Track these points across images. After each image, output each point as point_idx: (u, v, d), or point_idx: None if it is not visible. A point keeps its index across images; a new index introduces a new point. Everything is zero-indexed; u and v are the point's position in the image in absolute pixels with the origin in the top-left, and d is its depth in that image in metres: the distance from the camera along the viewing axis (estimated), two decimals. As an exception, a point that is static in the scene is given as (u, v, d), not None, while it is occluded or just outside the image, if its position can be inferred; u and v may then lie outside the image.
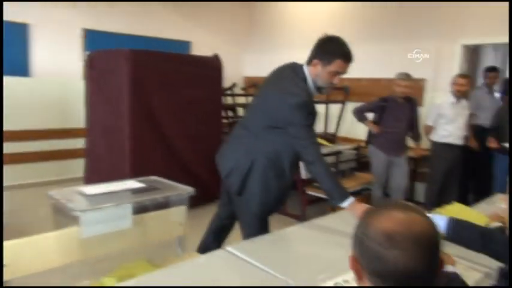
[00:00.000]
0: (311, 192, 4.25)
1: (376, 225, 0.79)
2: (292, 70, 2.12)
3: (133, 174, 3.30)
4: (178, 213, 2.23)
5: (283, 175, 2.17)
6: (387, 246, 0.76)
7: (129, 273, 1.74)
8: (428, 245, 0.78)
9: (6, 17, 4.34)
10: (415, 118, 4.12)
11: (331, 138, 4.92)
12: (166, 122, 4.08)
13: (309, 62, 2.08)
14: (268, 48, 6.57)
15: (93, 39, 5.33)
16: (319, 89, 2.11)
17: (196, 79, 4.32)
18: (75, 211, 1.79)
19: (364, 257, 0.81)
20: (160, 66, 4.02)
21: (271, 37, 6.54)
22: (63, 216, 1.91)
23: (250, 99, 5.67)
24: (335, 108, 5.17)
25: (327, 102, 5.10)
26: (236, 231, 2.47)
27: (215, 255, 1.72)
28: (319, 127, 5.23)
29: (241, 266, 1.61)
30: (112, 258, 2.11)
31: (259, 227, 2.22)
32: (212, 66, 4.50)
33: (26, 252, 1.68)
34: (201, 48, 6.19)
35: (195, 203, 4.18)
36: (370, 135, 4.24)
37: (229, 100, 5.69)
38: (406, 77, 3.92)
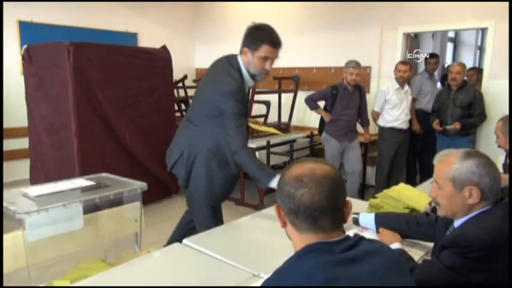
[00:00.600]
0: (267, 181, 4.29)
1: (289, 173, 0.96)
2: (227, 61, 2.16)
3: (83, 172, 3.18)
4: (132, 210, 2.19)
5: (227, 165, 2.21)
6: (297, 186, 0.92)
7: (83, 274, 1.69)
8: (330, 185, 0.92)
9: None
10: (363, 105, 4.27)
11: (285, 127, 5.00)
12: (115, 116, 3.94)
13: (240, 51, 2.13)
14: (218, 39, 6.49)
15: (29, 31, 4.97)
16: (253, 76, 2.14)
17: (145, 71, 4.20)
18: (18, 214, 1.70)
19: (282, 200, 0.96)
20: (105, 58, 3.86)
21: (221, 28, 6.47)
22: (7, 220, 1.81)
23: (202, 91, 5.62)
24: (287, 97, 5.24)
25: (279, 92, 5.16)
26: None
27: (170, 249, 1.70)
28: (273, 117, 5.32)
29: (197, 257, 1.60)
30: (65, 261, 2.04)
31: (210, 216, 2.25)
32: (160, 58, 4.39)
33: (-33, 261, 1.58)
34: (148, 40, 6.00)
35: (151, 198, 4.13)
36: (322, 122, 4.35)
37: (181, 93, 5.59)
38: (357, 65, 4.03)
